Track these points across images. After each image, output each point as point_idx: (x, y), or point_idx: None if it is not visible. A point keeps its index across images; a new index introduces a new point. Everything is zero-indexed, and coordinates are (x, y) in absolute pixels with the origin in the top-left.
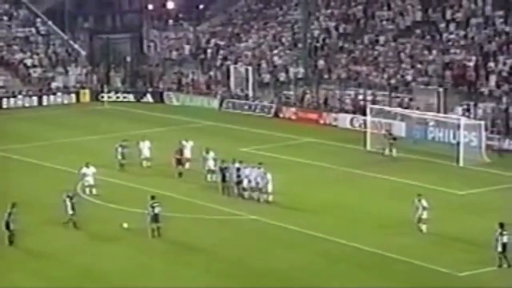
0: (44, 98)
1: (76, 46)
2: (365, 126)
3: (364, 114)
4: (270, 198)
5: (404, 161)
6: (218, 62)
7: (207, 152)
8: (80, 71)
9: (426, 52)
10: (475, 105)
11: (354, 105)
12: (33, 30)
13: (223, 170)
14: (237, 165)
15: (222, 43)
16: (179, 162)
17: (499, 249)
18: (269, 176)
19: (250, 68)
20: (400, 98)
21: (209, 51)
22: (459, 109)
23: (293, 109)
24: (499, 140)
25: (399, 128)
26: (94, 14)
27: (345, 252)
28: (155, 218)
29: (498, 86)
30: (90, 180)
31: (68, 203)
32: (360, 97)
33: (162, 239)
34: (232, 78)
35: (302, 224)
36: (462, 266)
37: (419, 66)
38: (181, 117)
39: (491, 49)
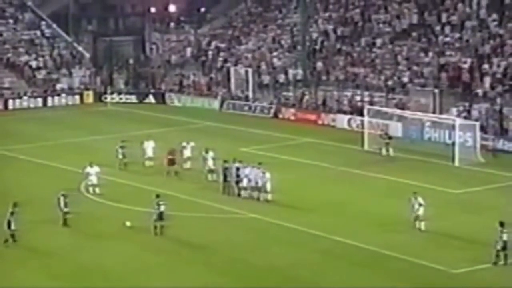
0: (49, 99)
1: (80, 48)
2: (363, 127)
3: (361, 114)
4: (270, 197)
5: (400, 160)
6: (219, 64)
7: (207, 152)
8: (84, 72)
9: (422, 54)
10: (470, 106)
11: (352, 106)
12: (38, 32)
13: (225, 170)
14: (236, 165)
15: (222, 45)
16: (172, 162)
17: (498, 247)
18: (268, 175)
19: (250, 70)
20: (396, 99)
21: (210, 53)
22: (454, 110)
23: (292, 110)
24: (493, 140)
25: (396, 129)
26: (98, 17)
27: (343, 250)
28: (160, 216)
29: (492, 87)
30: (93, 179)
31: (62, 202)
32: (358, 98)
33: (164, 237)
34: (232, 80)
35: (301, 222)
36: (457, 263)
37: (415, 68)
38: (182, 118)
39: (486, 51)
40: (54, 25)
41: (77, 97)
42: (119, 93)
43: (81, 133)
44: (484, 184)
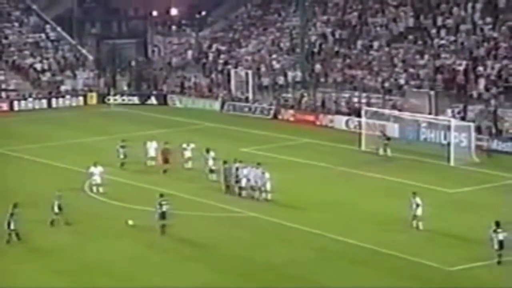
0: (53, 100)
1: (84, 51)
2: (360, 127)
3: (359, 116)
4: (269, 196)
5: (397, 160)
6: (219, 66)
7: (208, 152)
8: (88, 75)
9: (418, 56)
10: (465, 107)
11: (350, 107)
12: (43, 36)
13: (225, 171)
14: (236, 165)
15: (223, 48)
16: (166, 160)
17: (496, 246)
18: (267, 175)
19: (250, 72)
20: (393, 101)
21: (210, 55)
22: (449, 111)
23: (291, 111)
24: (487, 141)
25: (393, 129)
26: (101, 21)
27: (341, 248)
28: (163, 215)
29: (486, 89)
30: (97, 179)
31: (56, 202)
32: (355, 99)
33: (166, 235)
34: (232, 82)
35: (300, 221)
36: (453, 261)
37: (411, 70)
38: (184, 119)
39: (480, 54)
40: (59, 28)
41: (81, 98)
42: (122, 95)
43: (84, 133)
44: (479, 183)
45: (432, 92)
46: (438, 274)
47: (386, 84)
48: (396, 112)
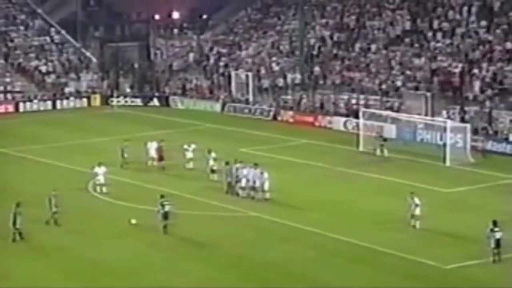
0: (58, 102)
1: (87, 53)
2: (358, 129)
3: (357, 117)
4: (267, 196)
5: (394, 161)
6: (220, 69)
7: (209, 153)
8: (91, 77)
9: (414, 59)
10: (461, 108)
11: (348, 108)
12: (48, 39)
13: (226, 171)
14: (237, 165)
15: (224, 50)
16: (161, 158)
17: (492, 245)
18: (265, 175)
19: (250, 74)
20: (390, 102)
21: (211, 58)
22: (444, 113)
23: (290, 113)
24: (482, 141)
25: (390, 130)
26: (105, 24)
27: (338, 246)
28: (165, 215)
29: (482, 91)
30: (101, 179)
31: (52, 201)
32: (353, 101)
33: (168, 235)
34: (233, 84)
35: (299, 220)
36: (448, 259)
37: (408, 72)
38: (185, 120)
39: (475, 56)
40: (63, 32)
41: (85, 100)
42: (125, 97)
43: (88, 134)
44: (474, 183)
45: (428, 94)
46: (434, 272)
47: (384, 86)
48: (393, 114)
